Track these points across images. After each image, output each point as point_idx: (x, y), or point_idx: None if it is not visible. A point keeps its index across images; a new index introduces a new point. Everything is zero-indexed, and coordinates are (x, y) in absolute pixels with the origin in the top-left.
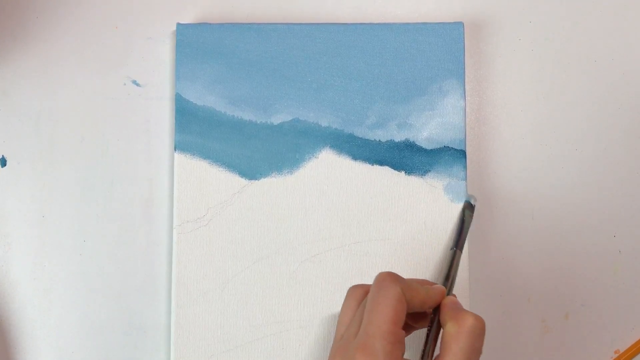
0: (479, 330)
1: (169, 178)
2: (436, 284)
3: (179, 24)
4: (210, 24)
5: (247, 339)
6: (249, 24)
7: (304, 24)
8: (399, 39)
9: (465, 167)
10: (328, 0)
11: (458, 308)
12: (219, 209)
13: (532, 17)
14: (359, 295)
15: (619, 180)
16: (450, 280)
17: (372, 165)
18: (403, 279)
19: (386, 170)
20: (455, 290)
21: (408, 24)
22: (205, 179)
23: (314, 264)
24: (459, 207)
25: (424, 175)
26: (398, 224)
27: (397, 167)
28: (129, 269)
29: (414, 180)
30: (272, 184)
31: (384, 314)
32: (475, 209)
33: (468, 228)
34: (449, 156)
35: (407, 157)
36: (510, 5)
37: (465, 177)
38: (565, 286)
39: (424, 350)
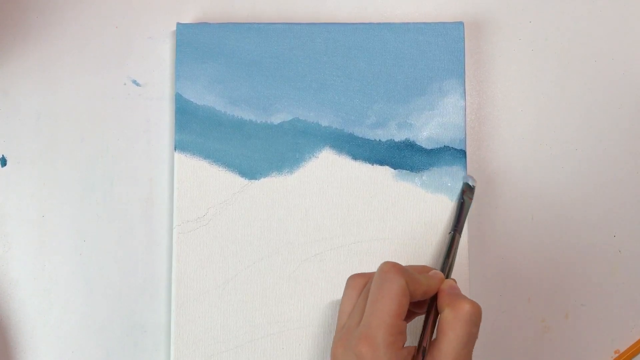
0: (475, 317)
1: (169, 178)
2: (434, 269)
3: (179, 24)
4: (210, 24)
5: (247, 339)
6: (249, 24)
7: (304, 24)
8: (399, 39)
9: (465, 167)
10: (328, 0)
11: (455, 294)
12: (219, 208)
13: (532, 17)
14: (359, 285)
15: (619, 180)
16: (449, 264)
17: (372, 165)
18: (407, 270)
19: (386, 170)
20: None
21: (408, 24)
22: (205, 179)
23: (314, 264)
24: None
25: (424, 175)
26: (398, 224)
27: (397, 166)
28: (129, 269)
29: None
30: (272, 184)
31: (388, 306)
32: (476, 190)
33: (468, 211)
34: (449, 156)
35: (407, 157)
36: (510, 5)
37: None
38: (565, 286)
39: (422, 335)
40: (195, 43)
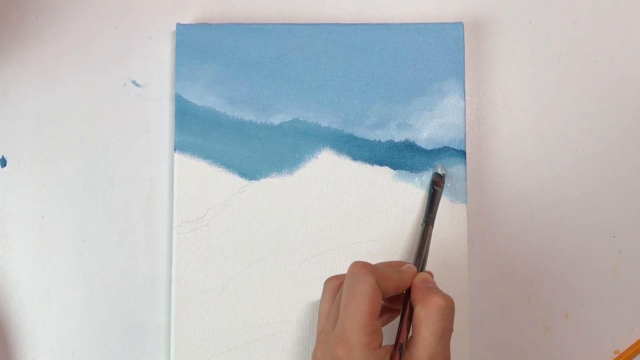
0: (448, 311)
1: (169, 178)
2: (408, 262)
3: (179, 24)
4: (210, 24)
5: (247, 339)
6: (249, 24)
7: (304, 24)
8: (399, 39)
9: (465, 167)
10: (328, 0)
11: (427, 288)
12: (219, 209)
13: (532, 17)
14: (336, 286)
15: (619, 180)
16: (422, 257)
17: (372, 165)
18: (376, 268)
19: (386, 171)
20: (455, 291)
21: (408, 24)
22: (205, 179)
23: (313, 264)
24: (459, 207)
25: (424, 175)
26: (398, 224)
27: (396, 167)
28: (129, 269)
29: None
30: (272, 184)
31: (360, 307)
32: (446, 178)
33: (439, 200)
34: (448, 156)
35: (407, 158)
36: (510, 5)
37: (465, 177)
38: (565, 286)
39: (399, 331)
40: (195, 43)
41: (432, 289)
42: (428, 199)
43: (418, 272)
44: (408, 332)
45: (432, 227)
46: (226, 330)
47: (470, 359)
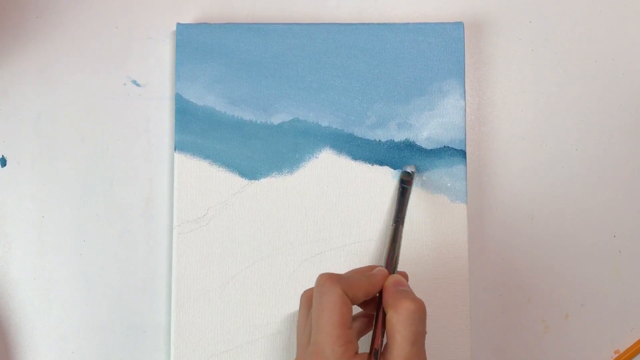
0: (419, 315)
1: (169, 178)
2: (379, 266)
3: (179, 24)
4: (210, 24)
5: (247, 339)
6: (249, 24)
7: (304, 24)
8: (399, 39)
9: (465, 167)
10: (328, 0)
11: (398, 292)
12: (219, 209)
13: (532, 17)
14: (310, 299)
15: (619, 180)
16: (393, 258)
17: (372, 165)
18: (342, 277)
19: (386, 170)
20: (455, 291)
21: (408, 24)
22: (205, 179)
23: (314, 264)
24: (459, 207)
25: (424, 175)
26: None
27: (397, 167)
28: (129, 269)
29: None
30: (272, 184)
31: (329, 319)
32: (415, 177)
33: (408, 199)
34: (449, 156)
35: (407, 157)
36: (510, 5)
37: (465, 177)
38: (565, 286)
39: (373, 336)
40: (195, 43)
41: (403, 292)
42: (397, 198)
43: (390, 274)
44: (382, 337)
45: (403, 226)
46: (226, 330)
47: (470, 359)
